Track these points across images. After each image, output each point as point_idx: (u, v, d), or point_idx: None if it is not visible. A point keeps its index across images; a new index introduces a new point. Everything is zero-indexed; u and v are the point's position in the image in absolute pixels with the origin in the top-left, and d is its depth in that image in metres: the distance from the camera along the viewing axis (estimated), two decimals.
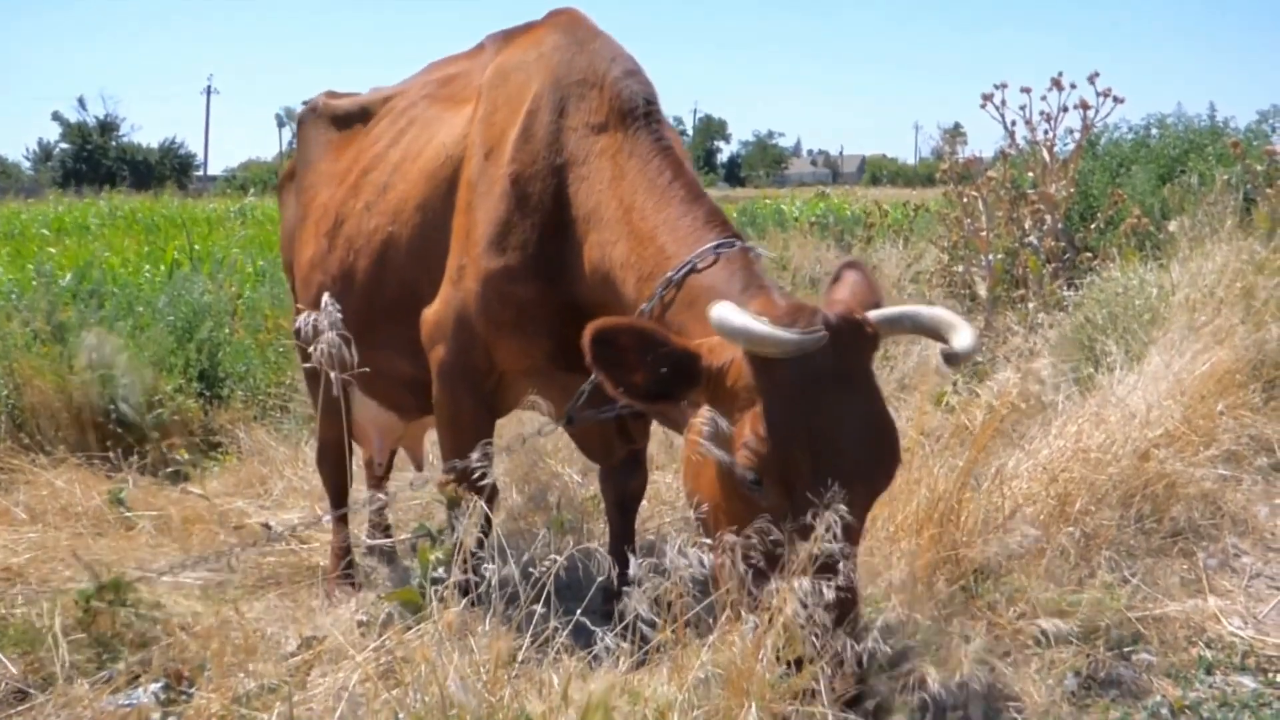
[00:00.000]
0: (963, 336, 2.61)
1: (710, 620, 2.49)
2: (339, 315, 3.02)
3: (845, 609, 2.39)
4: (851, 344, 2.55)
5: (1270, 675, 3.24)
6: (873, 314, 2.68)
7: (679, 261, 2.89)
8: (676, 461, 5.47)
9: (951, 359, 2.60)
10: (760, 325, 2.43)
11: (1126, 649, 3.32)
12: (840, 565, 2.32)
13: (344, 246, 3.98)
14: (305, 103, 4.94)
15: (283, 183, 4.97)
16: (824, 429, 2.45)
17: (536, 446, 5.26)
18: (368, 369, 3.57)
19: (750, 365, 2.52)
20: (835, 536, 2.29)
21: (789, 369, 2.45)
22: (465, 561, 2.56)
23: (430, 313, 3.51)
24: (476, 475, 2.97)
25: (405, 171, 3.81)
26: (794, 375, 2.45)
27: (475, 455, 2.97)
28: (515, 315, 3.30)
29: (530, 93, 3.40)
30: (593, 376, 3.10)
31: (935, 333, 2.70)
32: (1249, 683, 3.18)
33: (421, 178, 3.70)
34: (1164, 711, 3.01)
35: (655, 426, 4.25)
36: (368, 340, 3.90)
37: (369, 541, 4.88)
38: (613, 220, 3.12)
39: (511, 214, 3.28)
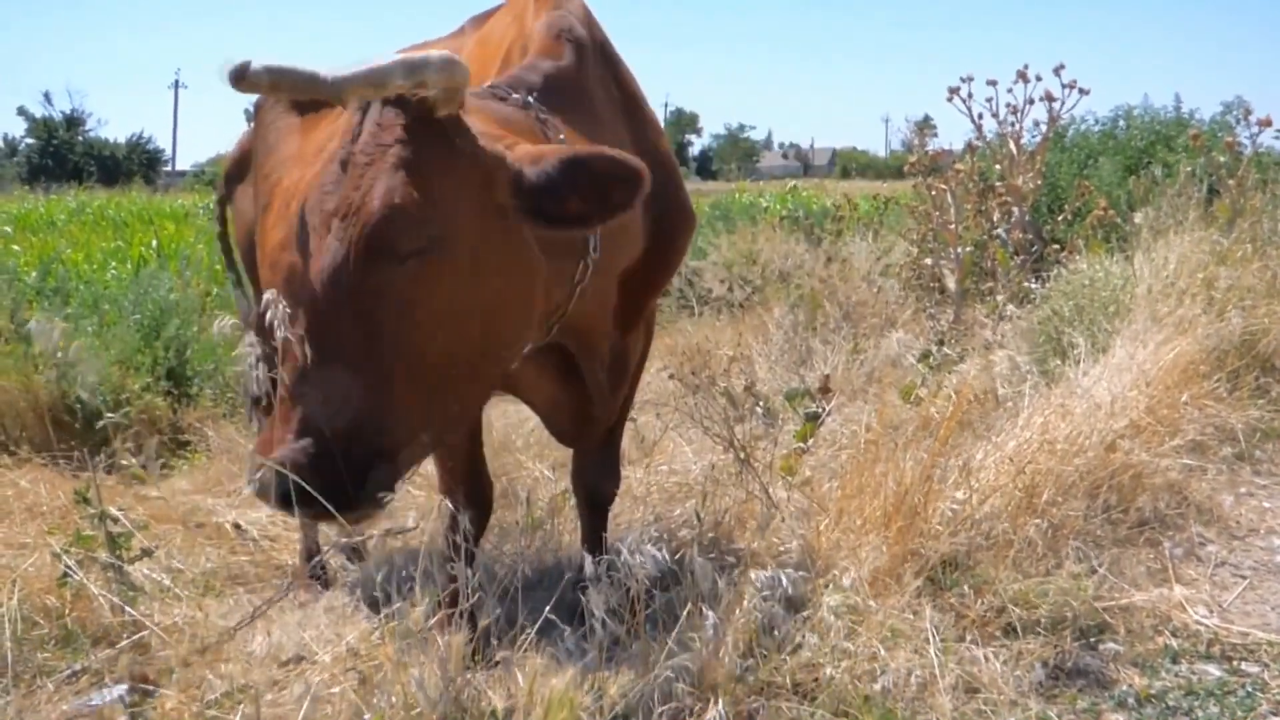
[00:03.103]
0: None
1: (671, 617, 2.49)
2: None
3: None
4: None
5: (1235, 663, 3.27)
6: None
7: None
8: (649, 456, 5.47)
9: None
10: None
11: (1093, 639, 3.35)
12: None
13: None
14: None
15: (230, 176, 4.77)
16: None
17: (507, 443, 5.25)
18: None
19: None
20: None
21: None
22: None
23: None
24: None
25: None
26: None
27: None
28: None
29: (501, 53, 3.38)
30: None
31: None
32: (1214, 671, 3.21)
33: None
34: (1130, 701, 3.03)
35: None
36: None
37: (338, 540, 4.84)
38: None
39: None
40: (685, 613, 2.43)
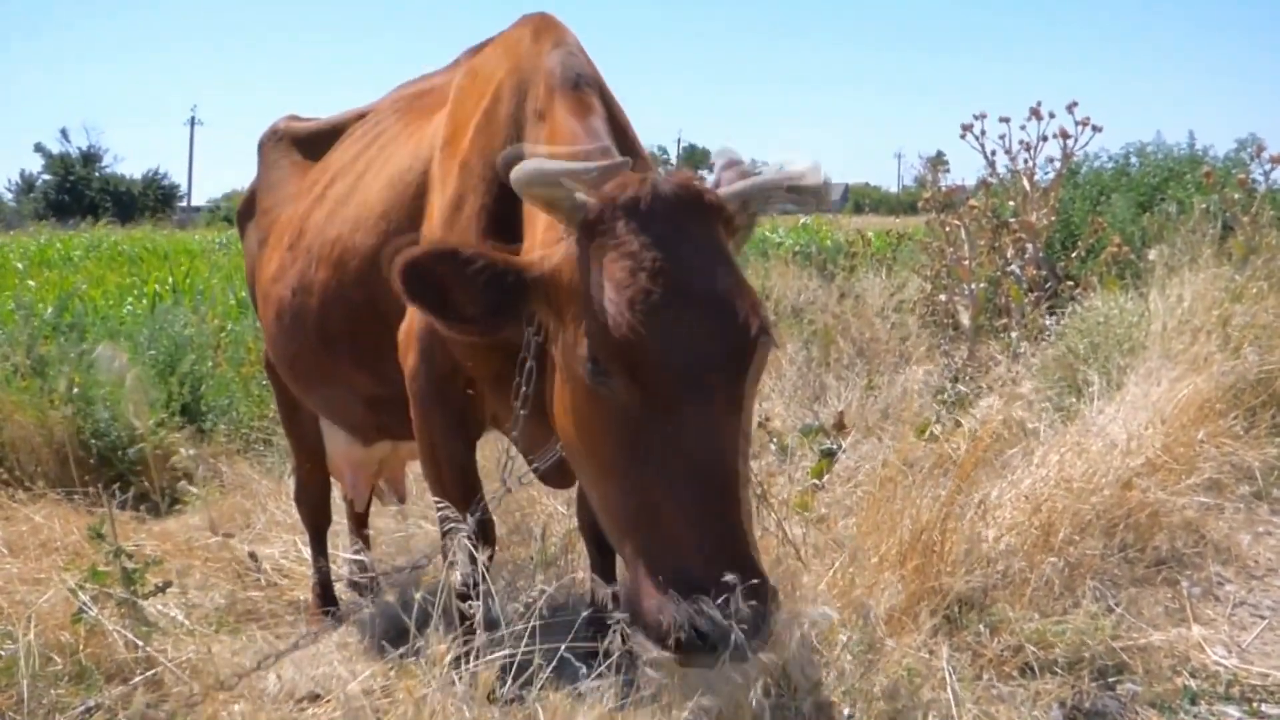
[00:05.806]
0: (811, 173, 2.54)
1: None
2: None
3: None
4: (687, 212, 2.42)
5: (1255, 705, 3.23)
6: (722, 189, 2.55)
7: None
8: None
9: (799, 193, 2.54)
10: (551, 163, 2.39)
11: (1111, 679, 3.32)
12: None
13: (304, 258, 3.87)
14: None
15: (241, 214, 4.87)
16: (656, 298, 2.29)
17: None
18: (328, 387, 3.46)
19: (578, 253, 2.43)
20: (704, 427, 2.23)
21: (614, 244, 2.35)
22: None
23: (404, 322, 3.40)
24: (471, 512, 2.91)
25: (370, 181, 3.72)
26: (620, 248, 2.34)
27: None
28: None
29: (492, 86, 3.33)
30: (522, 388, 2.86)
31: (788, 188, 2.58)
32: (1233, 712, 3.18)
33: (387, 185, 3.60)
34: None
35: None
36: (328, 355, 3.85)
37: (351, 577, 4.84)
38: None
39: (464, 197, 3.18)
40: None
